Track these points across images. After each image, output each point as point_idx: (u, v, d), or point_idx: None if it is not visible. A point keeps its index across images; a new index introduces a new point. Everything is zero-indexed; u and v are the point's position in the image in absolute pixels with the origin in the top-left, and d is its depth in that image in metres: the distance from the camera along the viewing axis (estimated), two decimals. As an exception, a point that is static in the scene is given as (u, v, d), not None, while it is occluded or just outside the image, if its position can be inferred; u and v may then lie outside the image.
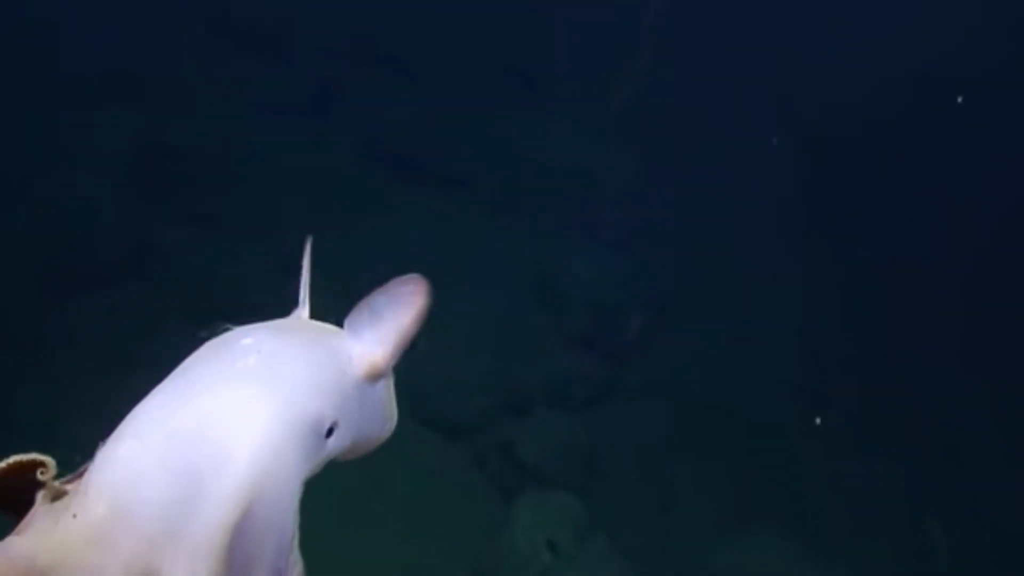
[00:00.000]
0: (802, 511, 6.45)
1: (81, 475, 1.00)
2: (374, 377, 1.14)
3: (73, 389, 5.71)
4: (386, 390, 1.22)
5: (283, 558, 0.99)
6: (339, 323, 1.22)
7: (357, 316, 1.18)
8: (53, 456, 1.03)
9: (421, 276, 1.19)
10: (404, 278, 1.20)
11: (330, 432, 1.06)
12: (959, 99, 8.93)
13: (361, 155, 8.52)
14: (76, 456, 1.06)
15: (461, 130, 9.06)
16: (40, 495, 0.97)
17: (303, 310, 1.28)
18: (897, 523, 6.51)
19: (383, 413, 1.23)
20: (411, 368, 5.16)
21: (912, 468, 6.96)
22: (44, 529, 0.94)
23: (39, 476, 0.98)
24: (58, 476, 1.02)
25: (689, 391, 7.29)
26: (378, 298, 1.18)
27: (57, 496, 0.98)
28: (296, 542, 1.04)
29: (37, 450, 1.02)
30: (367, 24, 9.58)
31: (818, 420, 6.85)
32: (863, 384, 7.61)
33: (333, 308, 1.31)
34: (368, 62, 9.53)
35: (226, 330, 1.10)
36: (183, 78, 8.49)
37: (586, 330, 7.52)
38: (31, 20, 8.34)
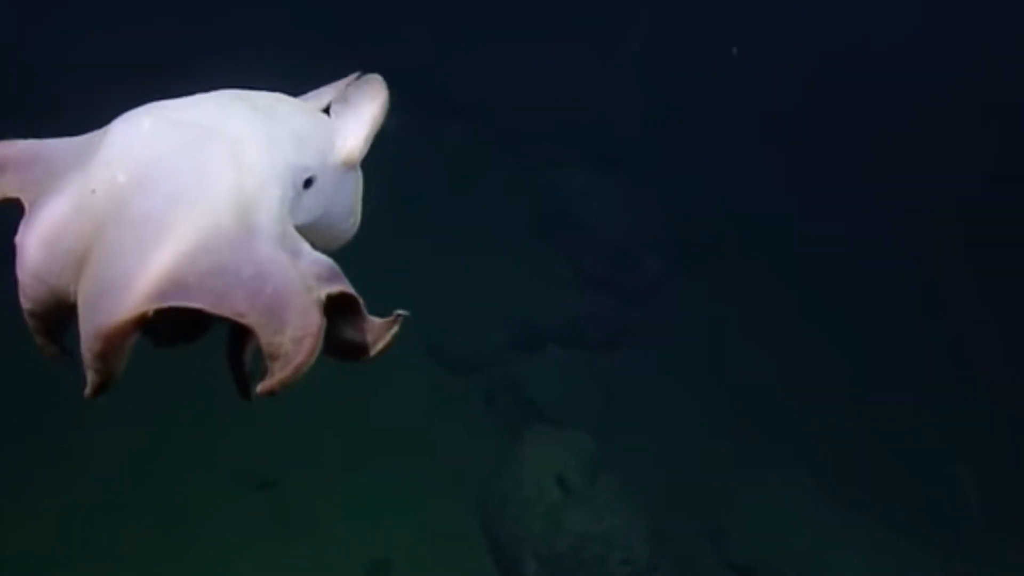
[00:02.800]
0: (823, 457, 6.29)
1: None
2: (350, 163, 1.20)
3: None
4: (355, 185, 1.27)
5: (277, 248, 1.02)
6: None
7: (335, 111, 1.26)
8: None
9: (379, 76, 1.28)
10: (366, 78, 1.29)
11: (308, 184, 1.11)
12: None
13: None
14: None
15: (476, 58, 8.80)
16: None
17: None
18: (927, 469, 6.40)
19: (350, 206, 1.27)
20: (423, 301, 5.02)
21: (942, 414, 6.83)
22: (64, 208, 1.00)
23: None
24: None
25: (707, 335, 7.12)
26: (350, 93, 1.27)
27: None
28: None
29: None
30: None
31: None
32: (886, 327, 7.48)
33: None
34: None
35: None
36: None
37: (602, 270, 7.35)
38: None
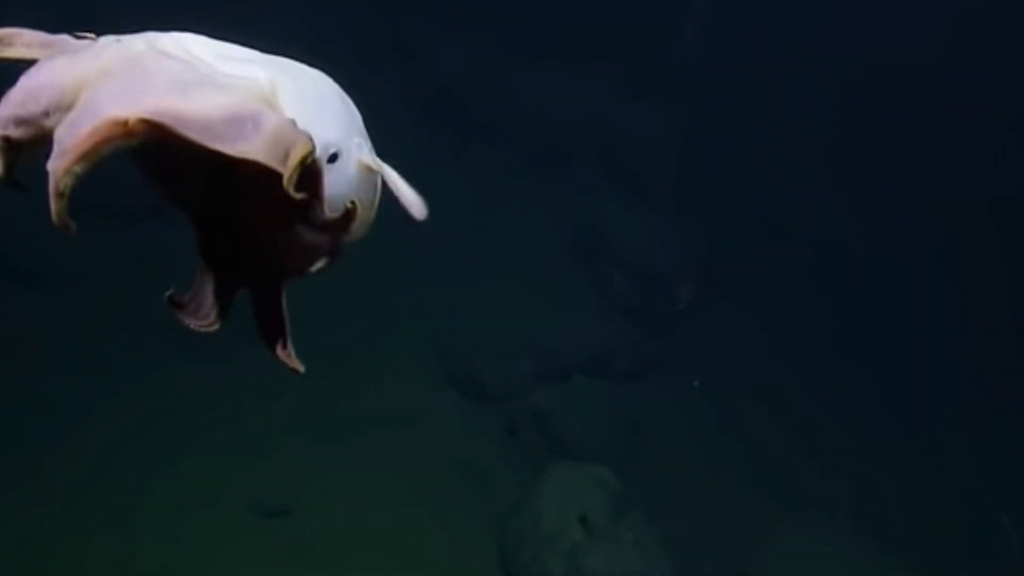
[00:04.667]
0: (856, 497, 6.06)
1: None
2: (366, 168, 1.20)
3: (100, 322, 5.78)
4: (375, 189, 1.25)
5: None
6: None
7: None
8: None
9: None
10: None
11: (333, 159, 1.12)
12: None
13: (403, 103, 8.19)
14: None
15: (510, 81, 8.70)
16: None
17: None
18: (965, 513, 6.14)
19: (365, 204, 1.24)
20: (448, 327, 4.85)
21: (984, 456, 6.58)
22: (81, 53, 1.02)
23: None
24: None
25: (739, 366, 6.92)
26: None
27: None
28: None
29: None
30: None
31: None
32: (924, 368, 7.26)
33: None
34: (416, 10, 9.17)
35: None
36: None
37: (632, 298, 7.18)
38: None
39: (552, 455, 5.77)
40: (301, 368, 1.17)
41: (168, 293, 1.19)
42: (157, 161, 1.10)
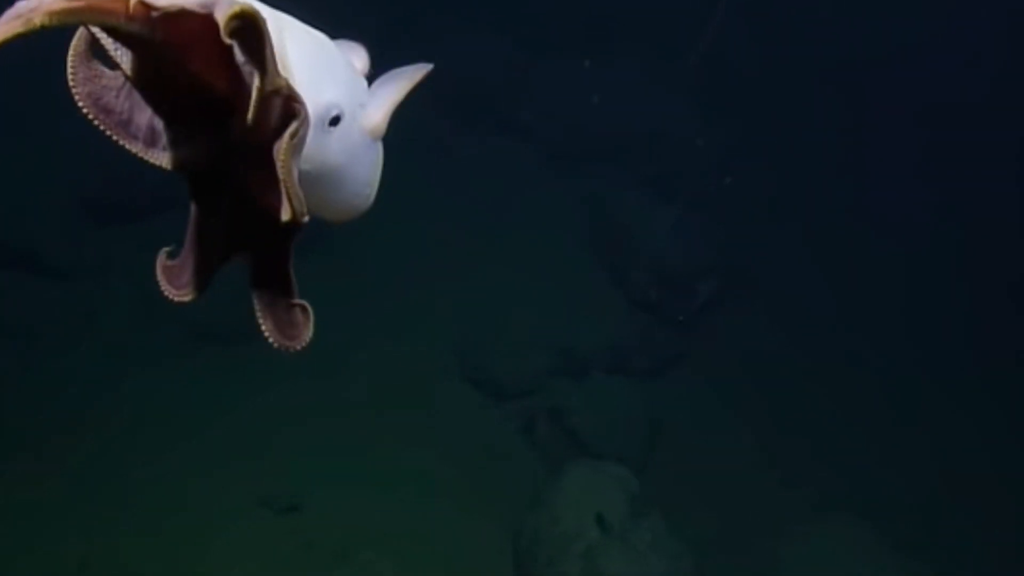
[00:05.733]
0: (880, 498, 5.97)
1: None
2: (373, 132, 1.24)
3: (107, 313, 5.79)
4: (376, 156, 1.30)
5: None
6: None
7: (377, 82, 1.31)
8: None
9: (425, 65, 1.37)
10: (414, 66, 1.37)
11: (335, 122, 1.11)
12: None
13: (424, 97, 8.11)
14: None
15: (530, 78, 8.62)
16: None
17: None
18: (987, 519, 6.03)
19: (368, 174, 1.29)
20: (465, 321, 4.77)
21: (1000, 463, 6.44)
22: None
23: None
24: None
25: (760, 364, 6.81)
26: (390, 74, 1.35)
27: None
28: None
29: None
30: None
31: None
32: (943, 368, 7.14)
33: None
34: (440, 3, 9.09)
35: None
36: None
37: (651, 293, 7.08)
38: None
39: (569, 452, 5.70)
40: (311, 313, 1.13)
41: (166, 249, 1.16)
42: (157, 100, 1.03)
